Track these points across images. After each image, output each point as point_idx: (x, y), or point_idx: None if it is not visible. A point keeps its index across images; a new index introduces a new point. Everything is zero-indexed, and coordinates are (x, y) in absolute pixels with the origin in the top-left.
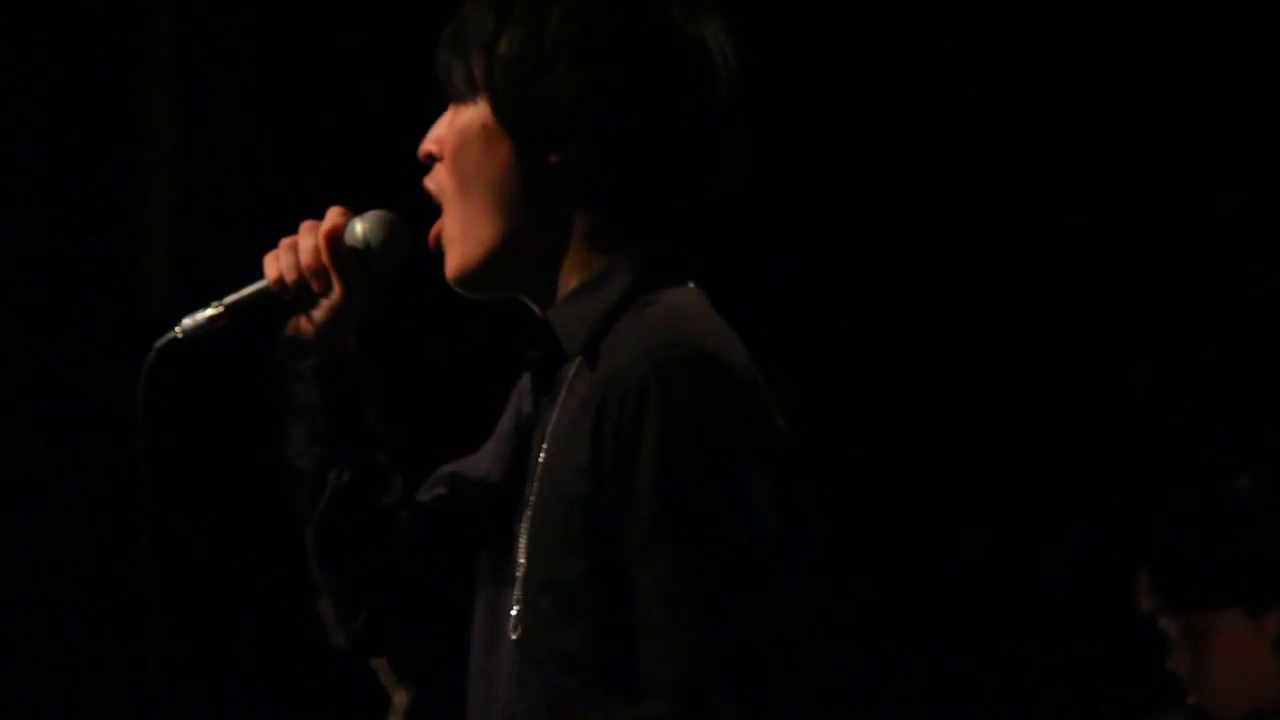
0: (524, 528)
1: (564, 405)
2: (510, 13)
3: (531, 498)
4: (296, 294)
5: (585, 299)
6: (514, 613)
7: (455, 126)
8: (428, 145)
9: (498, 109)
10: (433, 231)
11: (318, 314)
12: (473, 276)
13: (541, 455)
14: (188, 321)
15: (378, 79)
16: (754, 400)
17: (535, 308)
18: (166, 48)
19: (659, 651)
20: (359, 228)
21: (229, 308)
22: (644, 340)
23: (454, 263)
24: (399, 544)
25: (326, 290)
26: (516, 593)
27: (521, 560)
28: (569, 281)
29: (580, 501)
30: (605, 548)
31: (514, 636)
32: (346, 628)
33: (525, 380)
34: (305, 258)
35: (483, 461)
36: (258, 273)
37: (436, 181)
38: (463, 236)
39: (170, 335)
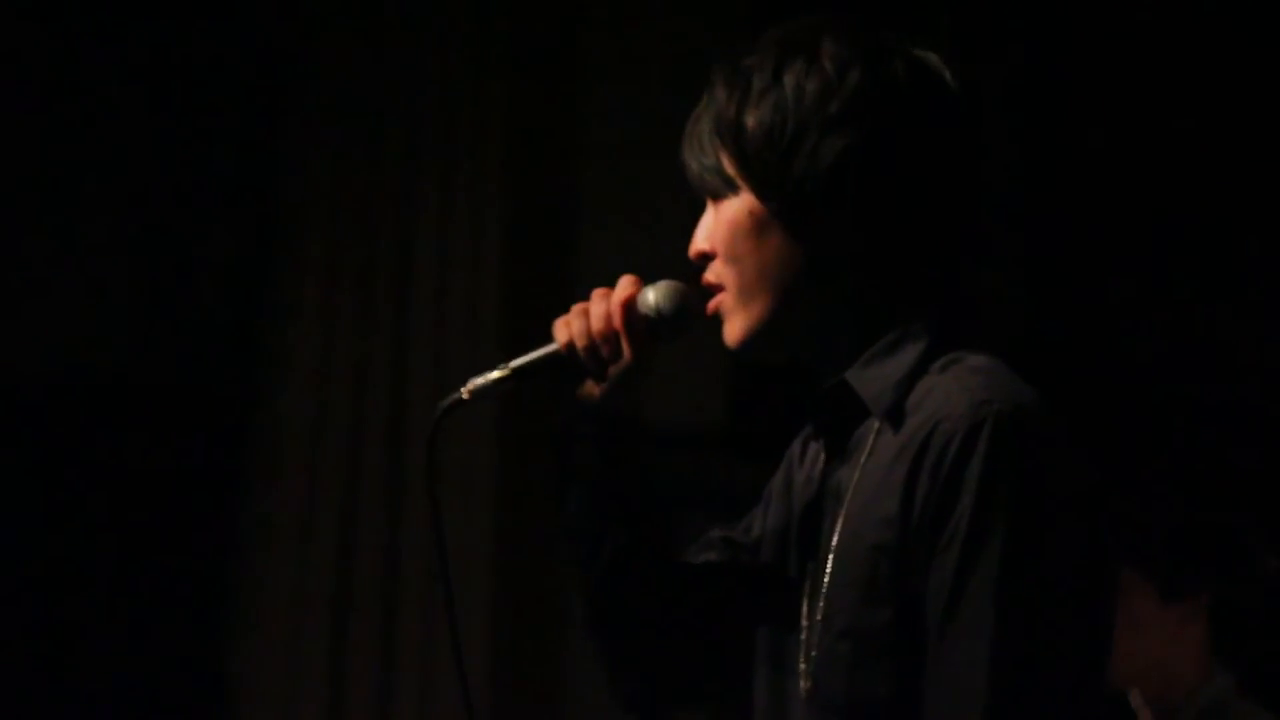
0: (821, 581)
1: (866, 464)
2: (747, 97)
3: (831, 555)
4: (586, 360)
5: (883, 361)
6: (802, 666)
7: (723, 221)
8: (699, 245)
9: (761, 194)
10: (711, 304)
11: (604, 380)
12: (752, 344)
13: (841, 514)
14: (474, 384)
15: None
16: (1077, 461)
17: (823, 371)
18: None
19: (956, 701)
20: (651, 296)
21: (515, 371)
22: (964, 394)
23: (735, 331)
24: (674, 609)
25: (616, 356)
26: (806, 646)
27: (818, 614)
28: (862, 346)
29: (886, 550)
30: (910, 595)
31: (805, 686)
32: (620, 691)
33: (797, 446)
34: (597, 324)
35: (754, 525)
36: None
37: (715, 274)
38: (744, 309)
39: (455, 396)
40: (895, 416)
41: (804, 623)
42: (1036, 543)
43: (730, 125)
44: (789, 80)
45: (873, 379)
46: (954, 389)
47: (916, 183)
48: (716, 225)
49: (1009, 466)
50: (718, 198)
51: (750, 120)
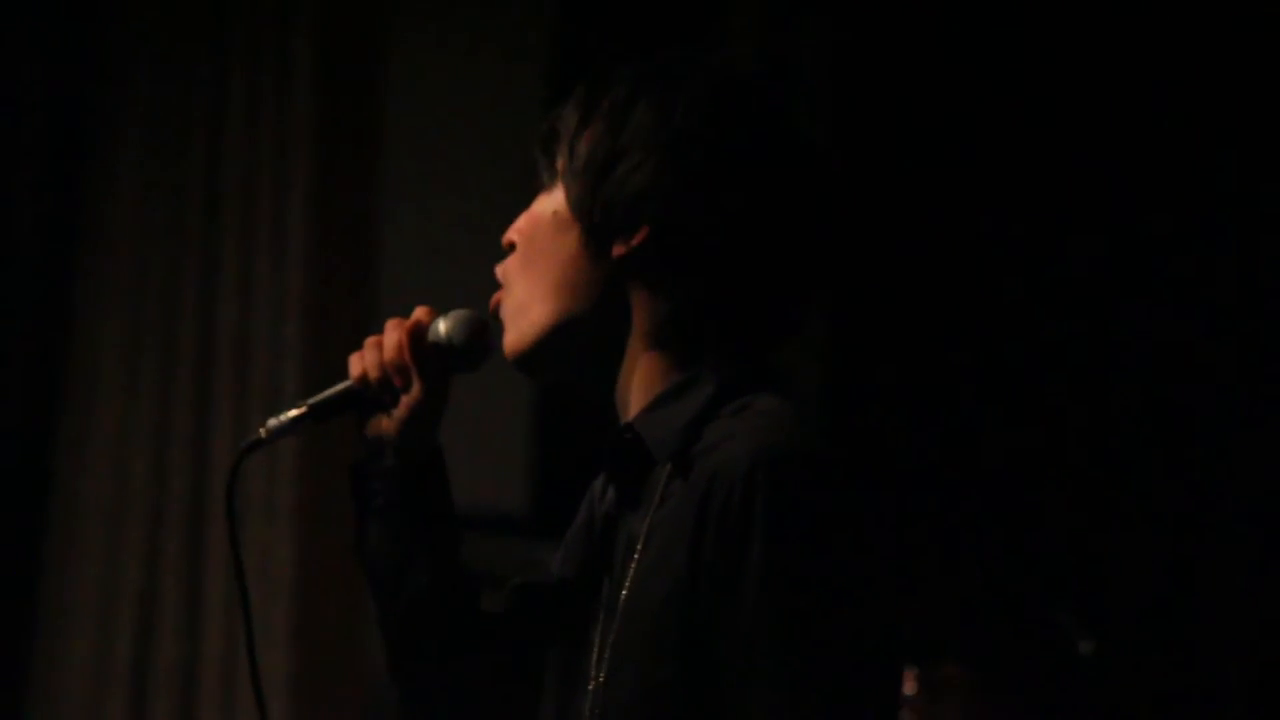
0: (607, 633)
1: (656, 514)
2: (596, 109)
3: (620, 602)
4: (379, 392)
5: (670, 405)
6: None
7: (531, 213)
8: (509, 235)
9: (569, 197)
10: (493, 300)
11: (399, 413)
12: (528, 356)
13: (633, 562)
14: (272, 422)
15: None
16: (858, 499)
17: (615, 408)
18: None
19: None
20: (442, 326)
21: (313, 408)
22: (746, 439)
23: (510, 338)
24: (474, 656)
25: (408, 387)
26: (592, 697)
27: (602, 664)
28: (651, 387)
29: (675, 602)
30: (697, 649)
31: None
32: None
33: (597, 485)
34: (388, 354)
35: (553, 570)
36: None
37: (504, 267)
38: (521, 314)
39: (255, 437)
40: (682, 462)
41: (592, 678)
42: (824, 592)
43: (571, 128)
44: (639, 105)
45: (658, 423)
46: (739, 433)
47: (727, 230)
48: (526, 216)
49: (794, 515)
50: (542, 193)
51: (589, 128)
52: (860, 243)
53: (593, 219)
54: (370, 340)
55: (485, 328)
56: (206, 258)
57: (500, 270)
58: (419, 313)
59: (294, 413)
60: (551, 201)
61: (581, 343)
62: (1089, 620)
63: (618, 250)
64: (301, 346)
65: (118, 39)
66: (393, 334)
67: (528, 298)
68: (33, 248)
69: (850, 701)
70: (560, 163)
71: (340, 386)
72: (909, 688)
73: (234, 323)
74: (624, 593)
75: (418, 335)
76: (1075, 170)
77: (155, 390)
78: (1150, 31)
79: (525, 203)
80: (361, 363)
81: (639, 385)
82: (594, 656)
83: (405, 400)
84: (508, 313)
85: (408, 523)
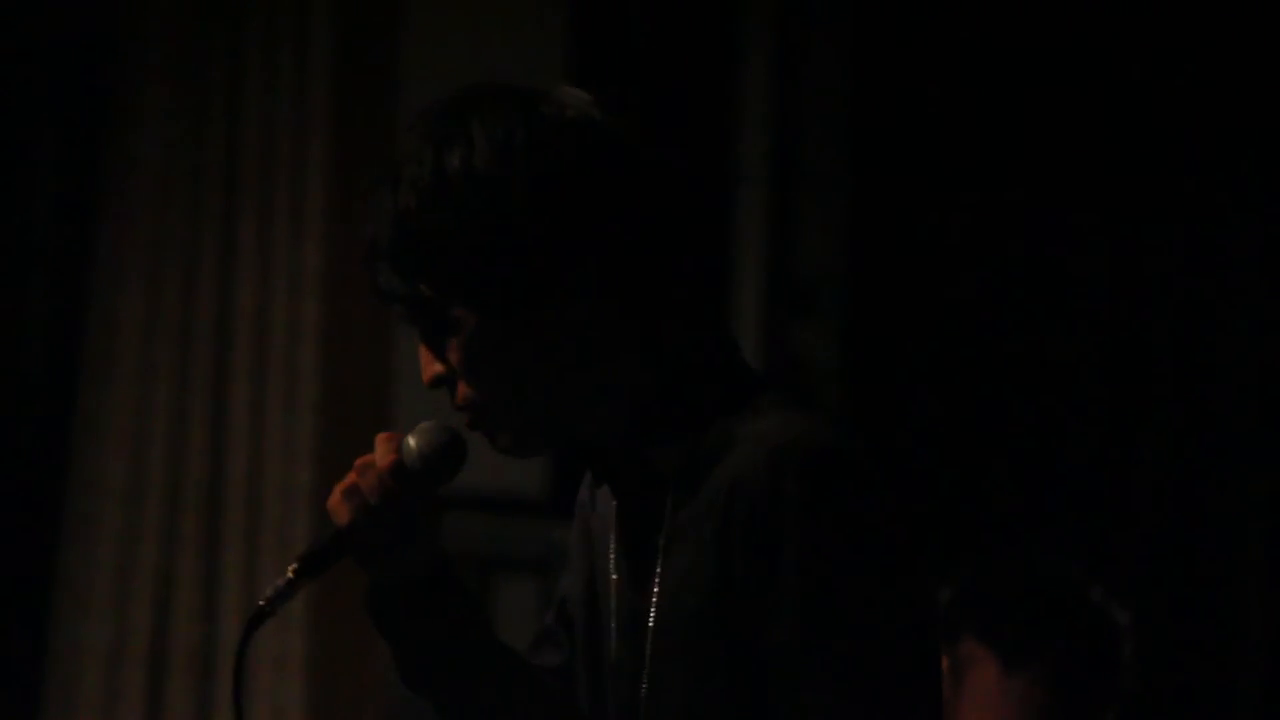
0: (642, 658)
1: (670, 528)
2: (422, 210)
3: (651, 618)
4: (375, 529)
5: (666, 417)
6: None
7: (455, 346)
8: (429, 373)
9: (484, 310)
10: (469, 422)
11: (403, 547)
12: (526, 449)
13: (655, 585)
14: (270, 592)
15: None
16: (883, 488)
17: (608, 441)
18: None
19: None
20: (413, 443)
21: (305, 563)
22: (761, 441)
23: (505, 443)
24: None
25: (399, 519)
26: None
27: (641, 693)
28: (638, 414)
29: (708, 615)
30: (739, 661)
31: None
32: None
33: (585, 494)
34: (374, 496)
35: (568, 597)
36: None
37: (465, 396)
38: (506, 415)
39: (257, 611)
40: (691, 474)
41: (624, 702)
42: (861, 588)
43: (414, 251)
44: (455, 184)
45: (658, 438)
46: (751, 435)
47: (630, 228)
48: (452, 350)
49: (823, 516)
50: (432, 316)
51: (435, 237)
52: (878, 234)
53: (508, 310)
54: (348, 485)
55: (456, 435)
56: (224, 238)
57: (463, 401)
58: (388, 447)
59: (288, 575)
60: (463, 322)
61: (580, 407)
62: (1122, 593)
63: (550, 315)
64: (319, 326)
65: (136, 17)
66: (370, 473)
67: (502, 402)
68: (51, 228)
69: (900, 693)
70: (434, 283)
71: (330, 533)
72: None
73: (252, 303)
74: (652, 610)
75: (396, 467)
76: (1093, 158)
77: (173, 371)
78: (1180, 12)
79: None
80: (347, 506)
81: (627, 411)
82: (625, 685)
83: (405, 530)
84: (491, 422)
85: (456, 647)
